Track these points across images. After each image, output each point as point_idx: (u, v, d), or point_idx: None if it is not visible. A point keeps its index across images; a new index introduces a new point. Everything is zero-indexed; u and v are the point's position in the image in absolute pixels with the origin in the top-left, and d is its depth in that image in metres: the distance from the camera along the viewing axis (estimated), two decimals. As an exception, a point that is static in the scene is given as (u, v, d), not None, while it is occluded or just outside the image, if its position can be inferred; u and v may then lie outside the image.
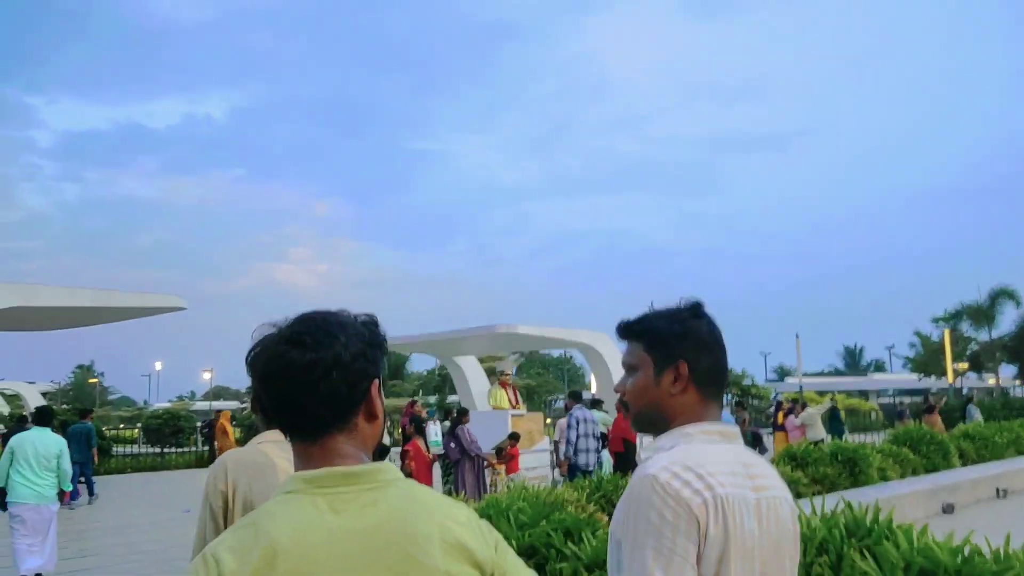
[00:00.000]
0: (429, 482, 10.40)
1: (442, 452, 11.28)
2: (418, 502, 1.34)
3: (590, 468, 10.43)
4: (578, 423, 10.79)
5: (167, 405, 60.32)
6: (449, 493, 10.36)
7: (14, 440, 8.38)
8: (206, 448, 25.08)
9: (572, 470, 10.51)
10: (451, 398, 44.12)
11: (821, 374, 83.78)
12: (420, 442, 10.91)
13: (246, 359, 1.38)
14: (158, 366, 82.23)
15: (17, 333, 17.72)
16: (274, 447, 2.75)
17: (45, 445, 8.30)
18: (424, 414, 19.17)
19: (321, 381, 1.32)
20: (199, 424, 28.79)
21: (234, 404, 59.85)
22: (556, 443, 12.77)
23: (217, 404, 51.51)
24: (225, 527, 2.49)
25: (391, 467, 1.39)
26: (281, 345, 1.33)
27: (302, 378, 1.32)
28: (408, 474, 9.82)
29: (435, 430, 12.12)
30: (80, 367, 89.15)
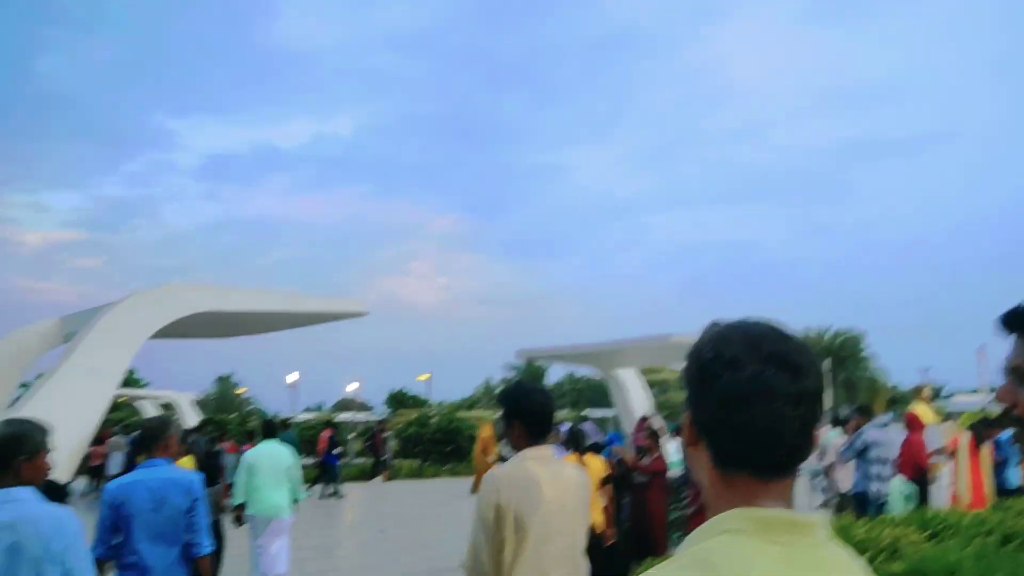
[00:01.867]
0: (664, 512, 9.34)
1: (682, 473, 10.08)
2: (848, 567, 1.19)
3: (882, 500, 9.00)
4: (867, 446, 9.23)
5: (310, 416, 61.60)
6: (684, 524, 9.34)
7: (250, 455, 8.64)
8: (370, 459, 25.02)
9: (862, 502, 9.09)
10: (595, 412, 43.11)
11: (975, 392, 78.25)
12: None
13: (702, 357, 1.20)
14: (292, 377, 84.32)
15: (159, 342, 17.74)
16: (536, 464, 3.12)
17: (278, 458, 8.55)
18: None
19: (804, 413, 1.17)
20: (349, 436, 28.79)
21: (360, 416, 59.86)
22: (827, 468, 11.64)
23: (360, 416, 52.10)
24: (495, 538, 3.00)
25: (826, 520, 1.21)
26: (768, 366, 1.14)
27: (786, 408, 1.16)
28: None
29: (675, 447, 10.86)
30: (221, 377, 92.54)
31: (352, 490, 20.33)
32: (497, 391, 74.18)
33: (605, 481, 8.37)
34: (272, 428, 9.27)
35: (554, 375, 70.91)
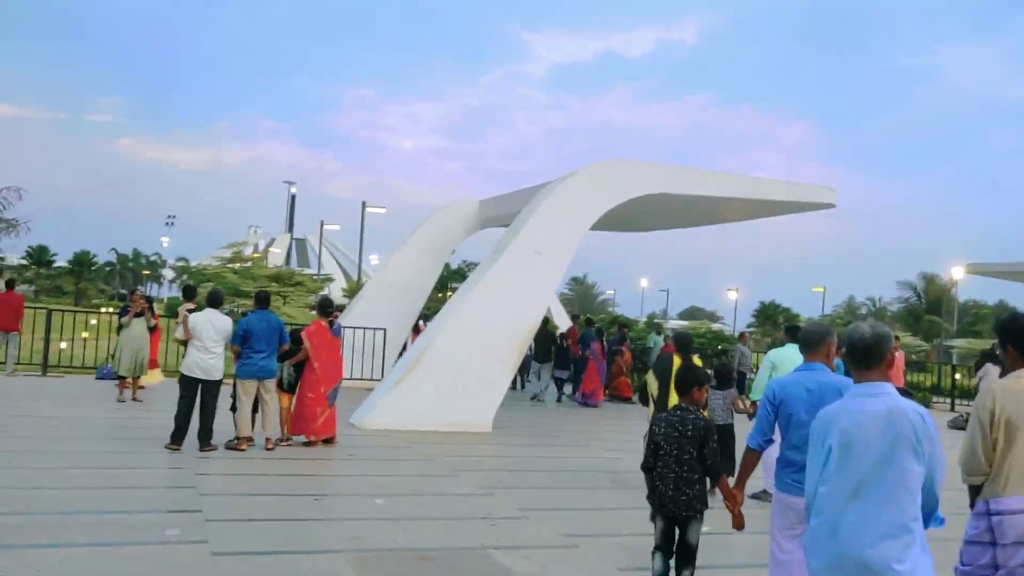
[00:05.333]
0: None
1: None
2: None
3: None
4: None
5: (683, 323, 59.07)
6: None
7: (773, 353, 8.75)
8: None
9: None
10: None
11: None
12: None
13: None
14: (644, 283, 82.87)
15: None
16: None
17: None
18: None
19: None
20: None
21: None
22: None
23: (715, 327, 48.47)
24: (989, 439, 3.78)
25: None
26: None
27: None
28: None
29: None
30: (575, 279, 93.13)
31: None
32: (882, 308, 66.63)
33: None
34: (795, 332, 8.29)
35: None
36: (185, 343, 9.57)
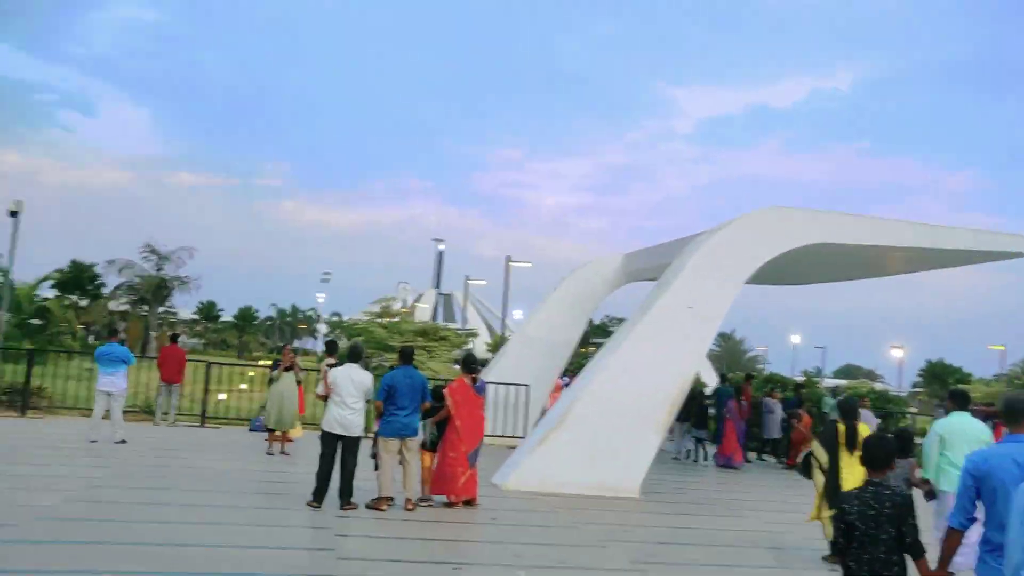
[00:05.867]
0: None
1: None
2: None
3: None
4: None
5: (840, 382, 55.88)
6: None
7: (940, 425, 7.84)
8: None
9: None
10: None
11: None
12: None
13: None
14: (796, 339, 79.19)
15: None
16: None
17: (974, 431, 7.58)
18: None
19: None
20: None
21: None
22: None
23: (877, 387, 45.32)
24: None
25: None
26: None
27: None
28: None
29: None
30: (722, 334, 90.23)
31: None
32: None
33: None
34: (964, 399, 7.98)
35: None
36: (325, 398, 9.49)
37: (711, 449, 17.80)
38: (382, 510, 9.20)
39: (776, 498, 13.26)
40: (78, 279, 52.58)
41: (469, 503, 9.93)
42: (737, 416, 17.25)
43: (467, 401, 10.04)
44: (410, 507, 9.39)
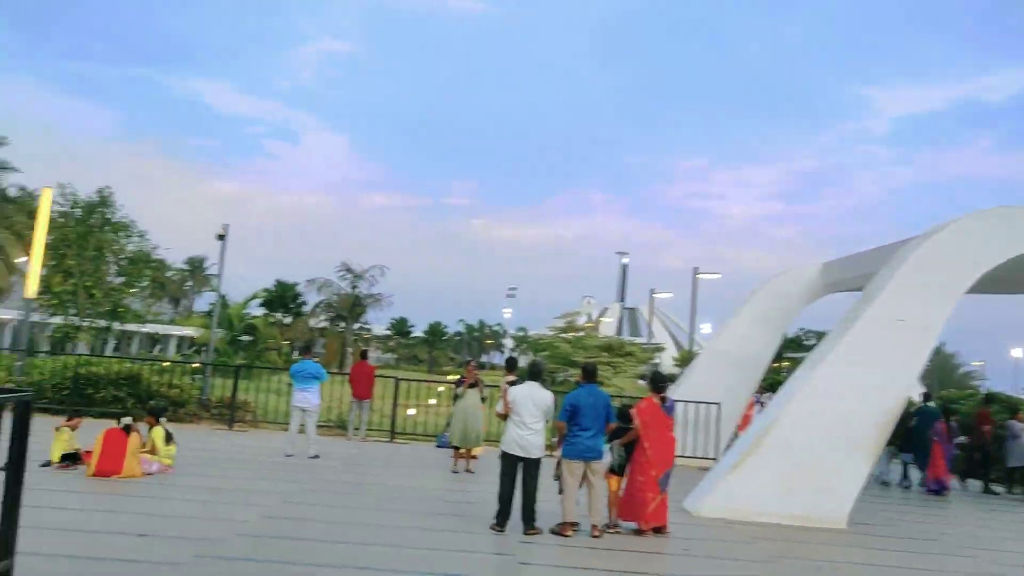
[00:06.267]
0: None
1: None
2: None
3: None
4: None
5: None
6: None
7: None
8: None
9: None
10: None
11: None
12: None
13: None
14: (1017, 353, 71.93)
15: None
16: None
17: None
18: None
19: None
20: None
21: None
22: None
23: None
24: None
25: None
26: None
27: None
28: None
29: None
30: (938, 348, 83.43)
31: None
32: None
33: None
34: None
35: None
36: (505, 417, 9.21)
37: (917, 474, 16.26)
38: (567, 536, 8.79)
39: (1003, 532, 11.70)
40: (282, 298, 56.22)
41: (659, 531, 9.33)
42: (945, 438, 15.83)
43: (656, 422, 9.46)
44: (596, 534, 8.92)
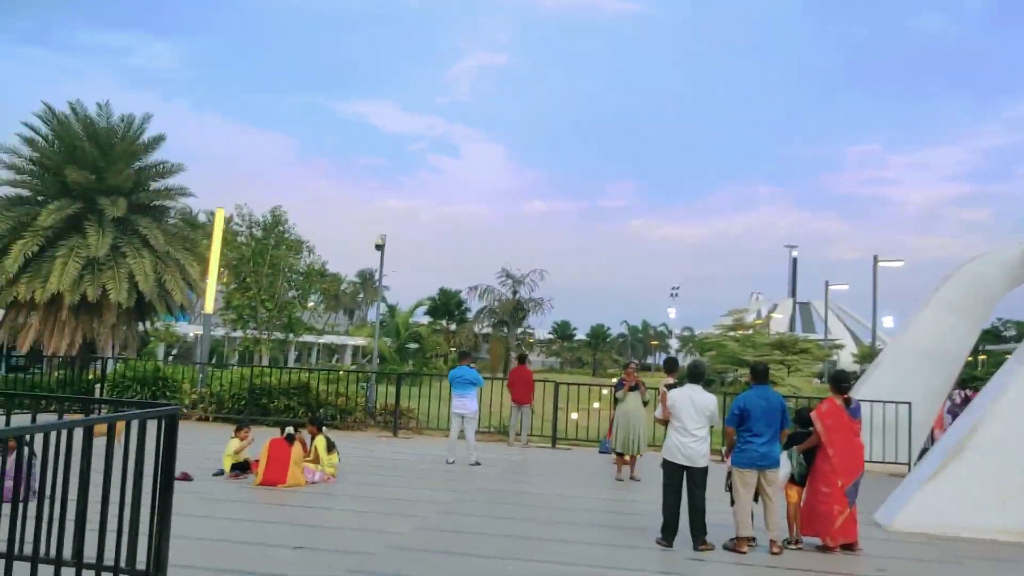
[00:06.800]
0: None
1: None
2: None
3: None
4: None
5: None
6: None
7: None
8: None
9: None
10: None
11: None
12: None
13: None
14: None
15: None
16: None
17: None
18: None
19: None
20: None
21: None
22: None
23: None
24: None
25: None
26: None
27: None
28: None
29: None
30: None
31: None
32: None
33: None
34: None
35: None
36: (665, 423, 8.50)
37: None
38: (742, 552, 7.99)
39: None
40: (446, 305, 57.36)
41: (849, 548, 8.33)
42: None
43: (840, 426, 8.46)
44: (776, 550, 8.06)
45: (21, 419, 6.13)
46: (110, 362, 20.02)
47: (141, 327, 28.34)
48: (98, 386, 18.35)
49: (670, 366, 11.90)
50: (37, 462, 5.39)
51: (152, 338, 40.06)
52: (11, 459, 6.41)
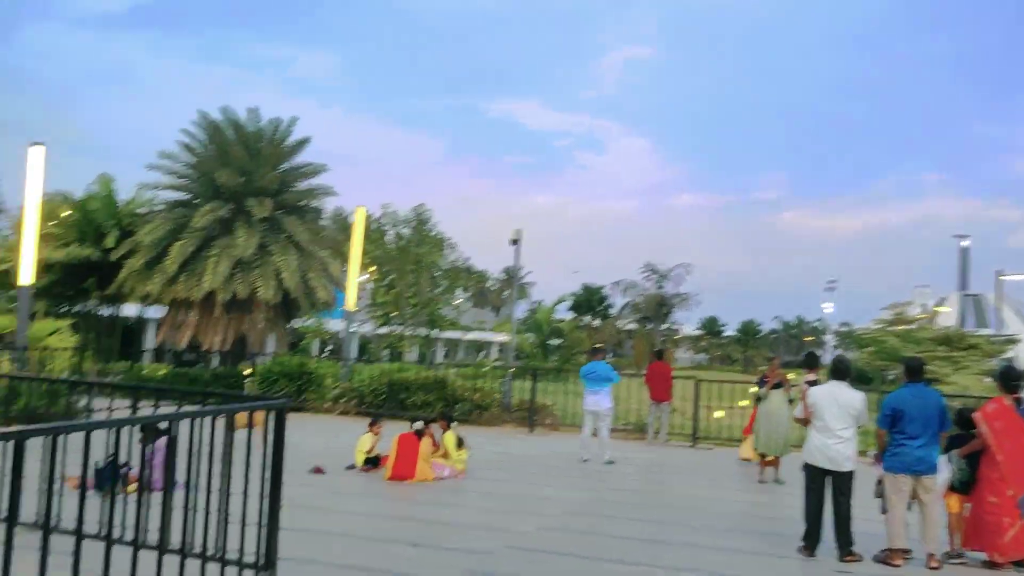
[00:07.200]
0: None
1: None
2: None
3: None
4: None
5: None
6: None
7: None
8: None
9: None
10: None
11: None
12: None
13: None
14: None
15: None
16: None
17: None
18: None
19: None
20: None
21: None
22: None
23: None
24: None
25: None
26: None
27: None
28: None
29: None
30: None
31: None
32: None
33: None
34: None
35: None
36: (806, 422, 7.83)
37: None
38: (895, 565, 7.25)
39: None
40: (589, 301, 56.97)
41: (1020, 565, 7.42)
42: None
43: (1011, 429, 7.54)
44: (934, 564, 7.27)
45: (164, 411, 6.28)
46: (259, 357, 20.92)
47: (289, 324, 29.57)
48: (246, 380, 19.19)
49: (810, 362, 11.11)
50: (159, 453, 5.50)
51: (306, 334, 41.83)
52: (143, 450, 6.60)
